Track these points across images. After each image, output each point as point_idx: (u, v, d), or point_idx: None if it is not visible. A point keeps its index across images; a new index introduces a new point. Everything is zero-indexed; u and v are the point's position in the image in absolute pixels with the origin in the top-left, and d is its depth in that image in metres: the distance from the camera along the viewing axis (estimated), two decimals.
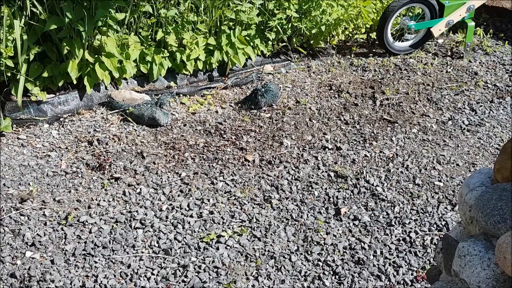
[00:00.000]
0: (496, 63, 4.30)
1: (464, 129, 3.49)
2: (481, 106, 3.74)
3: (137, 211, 2.69)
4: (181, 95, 3.66)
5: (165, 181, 2.92)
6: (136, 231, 2.57)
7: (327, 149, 3.25)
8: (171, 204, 2.76)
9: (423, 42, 4.33)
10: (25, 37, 3.05)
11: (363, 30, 4.36)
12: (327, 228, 2.68)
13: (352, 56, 4.31)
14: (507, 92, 3.93)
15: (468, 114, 3.65)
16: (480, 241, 1.40)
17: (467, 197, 1.52)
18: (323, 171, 3.07)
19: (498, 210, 1.36)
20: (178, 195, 2.83)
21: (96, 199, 2.76)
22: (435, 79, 4.04)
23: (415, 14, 4.29)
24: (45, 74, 3.24)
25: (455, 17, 4.12)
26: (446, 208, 2.81)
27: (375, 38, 4.38)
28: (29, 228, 2.55)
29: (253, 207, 2.79)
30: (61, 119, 3.34)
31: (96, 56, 3.33)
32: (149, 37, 3.58)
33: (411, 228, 2.69)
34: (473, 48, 4.44)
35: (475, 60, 4.33)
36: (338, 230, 2.67)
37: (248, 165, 3.09)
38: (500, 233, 1.36)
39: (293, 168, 3.09)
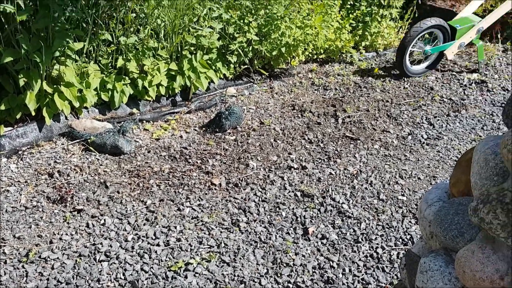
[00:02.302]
0: (451, 77, 4.43)
1: (424, 143, 3.58)
2: (438, 120, 3.84)
3: (101, 243, 2.64)
4: (144, 121, 3.64)
5: (130, 210, 2.88)
6: (101, 264, 2.52)
7: (292, 169, 3.27)
8: (136, 234, 2.72)
9: (437, 63, 4.51)
10: None
11: (322, 50, 4.43)
12: (296, 248, 2.68)
13: (313, 75, 4.37)
14: (462, 105, 4.04)
15: (426, 128, 3.74)
16: (441, 256, 1.43)
17: (426, 212, 1.55)
18: (289, 191, 3.09)
19: (456, 225, 1.40)
20: (144, 224, 2.79)
21: (58, 233, 2.70)
22: (393, 96, 4.14)
23: (428, 38, 4.45)
24: (2, 107, 3.18)
25: (466, 39, 4.30)
26: (410, 222, 2.86)
27: (336, 58, 4.47)
28: None
29: (221, 232, 2.77)
30: (20, 152, 3.27)
31: (55, 86, 3.29)
32: (110, 64, 3.57)
33: (377, 243, 2.72)
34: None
35: (431, 75, 4.46)
36: (307, 250, 2.68)
37: (215, 189, 3.08)
38: (458, 247, 1.39)
39: (260, 189, 3.09)
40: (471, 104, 4.06)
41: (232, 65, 4.04)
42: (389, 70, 4.51)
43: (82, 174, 3.12)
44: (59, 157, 3.25)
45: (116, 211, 2.86)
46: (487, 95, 4.21)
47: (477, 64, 4.50)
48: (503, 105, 4.08)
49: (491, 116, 3.91)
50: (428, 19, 4.20)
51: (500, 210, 1.21)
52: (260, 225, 2.82)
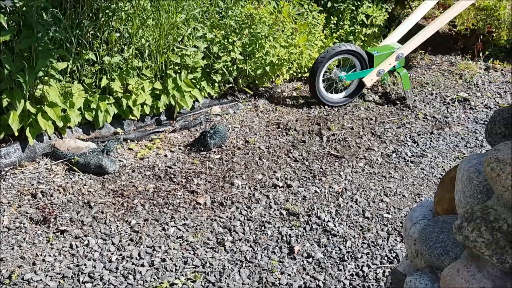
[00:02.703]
0: (436, 95, 4.49)
1: (408, 160, 3.60)
2: (422, 138, 3.88)
3: (85, 264, 2.60)
4: (128, 140, 3.62)
5: (114, 231, 2.85)
6: (85, 286, 2.48)
7: (278, 187, 3.27)
8: (121, 254, 2.68)
9: (358, 91, 4.31)
10: None
11: (306, 69, 4.47)
12: (282, 267, 2.67)
13: (298, 94, 4.40)
14: (446, 123, 4.09)
15: (410, 146, 3.78)
16: (426, 274, 1.43)
17: (411, 230, 1.56)
18: (275, 210, 3.08)
19: (441, 243, 1.40)
20: (128, 244, 2.76)
21: (41, 255, 2.66)
22: (377, 114, 4.17)
23: (348, 65, 4.29)
24: None
25: (385, 66, 4.16)
26: (395, 240, 2.86)
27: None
28: None
29: (206, 251, 2.75)
30: (3, 173, 3.23)
31: (38, 106, 3.27)
32: (94, 84, 3.56)
33: (363, 262, 2.72)
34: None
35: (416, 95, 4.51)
36: (293, 269, 2.67)
37: (200, 208, 3.07)
38: (444, 265, 1.39)
39: (245, 208, 3.08)
40: (454, 122, 4.11)
41: (216, 84, 4.05)
42: (373, 88, 4.56)
43: (66, 195, 3.08)
44: (43, 177, 3.22)
45: (100, 231, 2.83)
46: (470, 113, 4.26)
47: (404, 93, 4.36)
48: (485, 122, 4.13)
49: (474, 133, 3.96)
50: (344, 43, 4.09)
51: (484, 228, 1.22)
52: (246, 244, 2.81)
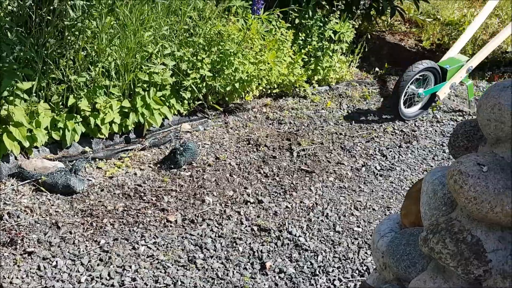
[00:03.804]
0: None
1: (377, 174, 3.65)
2: (390, 151, 3.94)
3: (53, 286, 2.54)
4: (97, 159, 3.57)
5: (83, 251, 2.80)
6: None
7: (249, 203, 3.27)
8: (90, 275, 2.63)
9: (430, 104, 4.49)
10: None
11: (276, 85, 4.50)
12: (253, 284, 2.66)
13: (268, 110, 4.42)
14: (414, 136, 4.16)
15: (379, 159, 3.83)
16: (394, 286, 1.45)
17: (379, 243, 1.57)
18: (246, 226, 3.08)
19: (407, 255, 1.42)
20: (98, 264, 2.72)
21: (8, 277, 2.59)
22: (347, 128, 4.22)
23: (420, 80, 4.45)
24: None
25: (456, 79, 4.33)
26: (366, 253, 2.88)
27: (289, 91, 4.54)
28: None
29: (177, 270, 2.73)
30: None
31: (3, 126, 3.20)
32: (60, 103, 3.51)
33: (334, 276, 2.72)
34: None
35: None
36: (265, 284, 2.66)
37: (171, 226, 3.04)
38: (411, 277, 1.40)
39: (216, 225, 3.07)
40: (422, 135, 4.19)
41: (186, 101, 4.04)
42: (341, 103, 4.61)
43: (33, 215, 3.02)
44: (9, 198, 3.14)
45: (68, 252, 2.78)
46: (437, 126, 4.35)
47: (468, 103, 4.53)
48: None
49: (441, 146, 4.03)
50: (419, 62, 4.24)
51: (449, 239, 1.24)
52: (217, 261, 2.79)
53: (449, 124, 4.39)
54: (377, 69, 5.23)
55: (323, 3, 4.76)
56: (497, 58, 5.55)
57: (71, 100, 3.46)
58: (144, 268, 2.71)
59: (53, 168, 3.32)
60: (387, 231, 1.57)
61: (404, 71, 4.22)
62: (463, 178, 1.18)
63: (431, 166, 3.77)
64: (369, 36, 5.37)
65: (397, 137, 4.14)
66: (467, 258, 1.19)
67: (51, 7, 3.31)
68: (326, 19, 4.71)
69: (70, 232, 2.92)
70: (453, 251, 1.22)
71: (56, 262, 2.70)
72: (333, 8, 4.78)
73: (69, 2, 3.29)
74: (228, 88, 4.10)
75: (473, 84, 4.86)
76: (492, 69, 5.31)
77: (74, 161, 3.46)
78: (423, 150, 3.97)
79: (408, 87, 4.23)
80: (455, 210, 1.32)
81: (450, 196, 1.33)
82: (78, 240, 2.87)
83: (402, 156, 3.88)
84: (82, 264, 2.71)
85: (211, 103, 4.23)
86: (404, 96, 4.29)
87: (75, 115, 3.51)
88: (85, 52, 3.55)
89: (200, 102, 4.17)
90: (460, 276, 1.24)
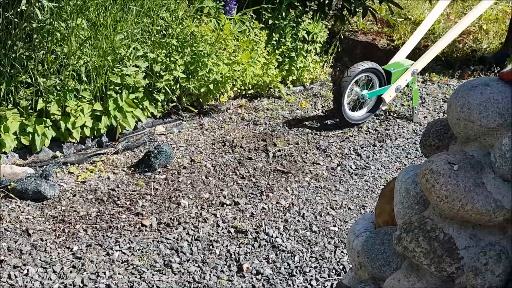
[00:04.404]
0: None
1: (352, 173, 3.66)
2: (365, 150, 3.96)
3: None
4: (68, 164, 3.51)
5: (55, 258, 2.74)
6: None
7: (225, 205, 3.25)
8: (63, 283, 2.58)
9: (377, 107, 4.42)
10: None
11: (250, 86, 4.49)
12: (231, 286, 2.64)
13: (243, 111, 4.41)
14: (387, 135, 4.19)
15: (354, 159, 3.84)
16: (369, 286, 1.44)
17: (354, 243, 1.57)
18: (223, 228, 3.06)
19: (382, 254, 1.42)
20: (71, 272, 2.66)
21: None
22: (321, 128, 4.23)
23: (365, 82, 4.37)
24: None
25: (402, 82, 4.28)
26: (342, 252, 2.89)
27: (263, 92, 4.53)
28: None
29: (153, 274, 2.69)
30: None
31: None
32: (29, 107, 3.43)
33: (311, 276, 2.72)
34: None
35: None
36: (242, 287, 2.64)
37: (146, 230, 3.00)
38: (386, 276, 1.40)
39: (193, 228, 3.04)
40: (395, 133, 4.22)
41: (160, 103, 4.00)
42: (316, 103, 4.62)
43: (2, 223, 2.95)
44: None
45: (40, 259, 2.72)
46: (410, 124, 4.39)
47: (412, 110, 4.48)
48: None
49: (414, 144, 4.07)
50: (363, 62, 4.18)
51: (422, 238, 1.24)
52: (194, 265, 2.76)
53: (422, 122, 4.44)
54: None
55: (296, 3, 4.76)
56: (467, 56, 5.63)
57: (40, 104, 3.39)
58: (119, 274, 2.67)
59: (22, 174, 3.25)
60: (362, 231, 1.57)
61: (344, 72, 4.16)
62: (435, 177, 1.19)
63: (405, 164, 3.80)
64: (342, 36, 5.39)
65: (371, 136, 4.17)
66: (440, 255, 1.20)
67: (19, 9, 3.24)
68: (299, 20, 4.72)
69: (42, 239, 2.86)
70: (426, 249, 1.22)
71: (27, 270, 2.64)
72: (306, 9, 4.78)
73: (37, 4, 3.23)
74: (202, 90, 4.07)
75: (443, 83, 4.92)
76: (462, 67, 5.39)
77: (45, 166, 3.39)
78: (397, 149, 4.00)
79: (349, 87, 4.13)
80: (427, 209, 1.32)
81: (422, 194, 1.34)
82: (50, 247, 2.81)
83: (376, 155, 3.90)
84: (54, 271, 2.65)
85: (186, 104, 4.20)
86: (348, 98, 4.21)
87: (45, 119, 3.45)
88: (55, 54, 3.48)
89: (174, 104, 4.13)
90: (433, 274, 1.24)
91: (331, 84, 4.95)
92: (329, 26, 5.03)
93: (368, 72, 4.23)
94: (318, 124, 4.29)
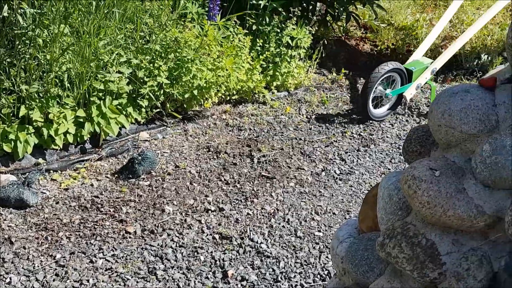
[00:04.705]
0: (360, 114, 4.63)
1: (337, 178, 3.68)
2: (349, 155, 3.98)
3: None
4: (51, 171, 3.47)
5: (38, 266, 2.71)
6: None
7: (210, 211, 3.24)
8: None
9: (398, 104, 4.63)
10: None
11: (235, 91, 4.49)
12: None
13: (227, 116, 4.41)
14: (371, 140, 4.22)
15: (338, 164, 3.86)
16: None
17: (338, 249, 1.57)
18: (207, 234, 3.05)
19: (365, 260, 1.42)
20: (54, 280, 2.63)
21: None
22: (306, 134, 4.25)
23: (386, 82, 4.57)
24: None
25: (422, 80, 4.48)
26: (327, 257, 2.89)
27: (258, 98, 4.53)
28: None
29: (137, 282, 2.67)
30: None
31: None
32: (12, 114, 3.40)
33: (296, 281, 2.72)
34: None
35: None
36: None
37: (130, 237, 2.98)
38: (369, 282, 1.41)
39: (177, 234, 3.02)
40: (379, 138, 4.25)
41: (143, 109, 3.98)
42: (300, 108, 4.64)
43: None
44: None
45: (22, 268, 2.69)
46: (394, 129, 4.42)
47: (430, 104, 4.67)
48: None
49: (398, 149, 4.10)
50: (386, 63, 4.37)
51: (405, 243, 1.25)
52: (178, 272, 2.75)
53: (405, 126, 4.48)
54: (334, 74, 5.29)
55: (280, 9, 4.78)
56: (450, 61, 5.69)
57: (22, 111, 3.36)
58: (103, 281, 2.65)
59: (4, 181, 3.21)
60: (346, 237, 1.57)
61: (371, 72, 4.35)
62: (417, 183, 1.20)
63: (389, 169, 3.83)
64: (325, 41, 5.42)
65: (355, 141, 4.19)
66: (422, 261, 1.21)
67: (0, 16, 3.20)
68: (283, 25, 4.74)
69: (24, 247, 2.83)
70: (409, 255, 1.23)
71: (10, 278, 2.61)
72: (290, 15, 4.80)
73: (19, 11, 3.20)
74: (186, 95, 4.06)
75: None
76: (445, 72, 5.45)
77: (27, 173, 3.35)
78: (381, 154, 4.03)
79: (375, 87, 4.36)
80: (410, 214, 1.33)
81: (405, 200, 1.35)
82: (33, 255, 2.78)
83: (360, 160, 3.92)
84: (37, 280, 2.62)
85: (170, 110, 4.19)
86: (372, 97, 4.42)
87: (27, 126, 3.41)
88: (37, 61, 3.45)
89: (158, 110, 4.11)
90: (416, 280, 1.25)
91: (315, 89, 4.97)
92: (313, 32, 5.05)
93: (392, 72, 4.43)
94: (303, 129, 4.30)
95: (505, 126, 1.15)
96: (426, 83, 4.61)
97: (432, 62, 4.55)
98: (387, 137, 4.28)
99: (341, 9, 5.19)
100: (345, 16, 5.38)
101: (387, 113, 4.62)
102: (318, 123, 4.42)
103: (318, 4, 5.16)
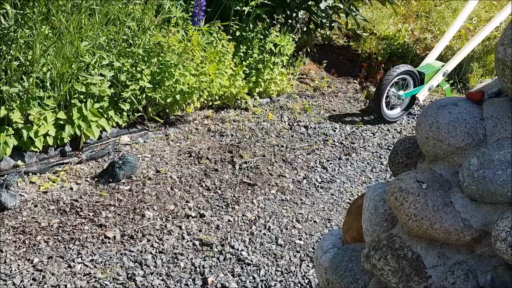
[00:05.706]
0: (342, 122, 4.66)
1: (318, 186, 3.68)
2: (331, 163, 3.99)
3: None
4: (30, 174, 3.41)
5: (15, 270, 2.65)
6: None
7: (190, 217, 3.21)
8: None
9: (411, 106, 4.80)
10: None
11: (217, 97, 4.48)
12: None
13: (209, 122, 4.39)
14: (353, 149, 4.25)
15: (320, 172, 3.87)
16: None
17: (321, 259, 1.57)
18: (188, 241, 3.02)
19: (350, 271, 1.42)
20: (31, 284, 2.58)
21: None
22: (288, 141, 4.25)
23: (399, 84, 4.70)
24: None
25: (434, 82, 4.63)
26: (308, 266, 2.89)
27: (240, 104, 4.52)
28: None
29: None
30: None
31: None
32: None
33: None
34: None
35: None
36: None
37: (109, 242, 2.94)
38: None
39: (157, 240, 2.99)
40: (360, 147, 4.28)
41: (125, 113, 3.94)
42: (282, 115, 4.65)
43: None
44: None
45: None
46: (375, 138, 4.46)
47: None
48: (390, 147, 4.33)
49: (379, 158, 4.13)
50: (398, 66, 4.52)
51: (390, 256, 1.25)
52: (158, 278, 2.72)
53: (386, 136, 4.51)
54: (317, 81, 5.32)
55: (264, 16, 4.79)
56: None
57: (2, 112, 3.29)
58: (81, 287, 2.61)
59: None
60: (330, 247, 1.57)
61: (384, 74, 4.51)
62: (404, 195, 1.20)
63: (370, 178, 3.85)
64: (308, 49, 5.45)
65: (337, 149, 4.21)
66: (408, 274, 1.21)
67: None
68: (267, 32, 4.75)
69: (1, 251, 2.77)
70: (394, 268, 1.23)
71: None
72: (274, 22, 4.82)
73: (1, 11, 3.14)
74: (168, 100, 4.03)
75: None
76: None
77: (6, 175, 3.29)
78: (362, 162, 4.05)
79: (388, 89, 4.50)
80: (396, 226, 1.33)
81: (391, 212, 1.35)
82: (10, 259, 2.72)
83: (342, 168, 3.94)
84: (14, 284, 2.57)
85: (151, 115, 4.15)
86: (386, 99, 4.56)
87: (7, 127, 3.35)
88: (18, 61, 3.39)
89: (140, 114, 4.08)
90: None
91: (297, 96, 4.99)
92: (296, 39, 5.07)
93: (405, 74, 4.58)
94: (285, 137, 4.31)
95: (492, 140, 1.16)
96: (438, 85, 4.76)
97: (443, 65, 4.71)
98: (368, 146, 4.31)
99: (324, 17, 5.23)
100: (328, 25, 5.42)
101: (401, 114, 4.79)
102: (300, 130, 4.43)
103: (302, 12, 5.19)
